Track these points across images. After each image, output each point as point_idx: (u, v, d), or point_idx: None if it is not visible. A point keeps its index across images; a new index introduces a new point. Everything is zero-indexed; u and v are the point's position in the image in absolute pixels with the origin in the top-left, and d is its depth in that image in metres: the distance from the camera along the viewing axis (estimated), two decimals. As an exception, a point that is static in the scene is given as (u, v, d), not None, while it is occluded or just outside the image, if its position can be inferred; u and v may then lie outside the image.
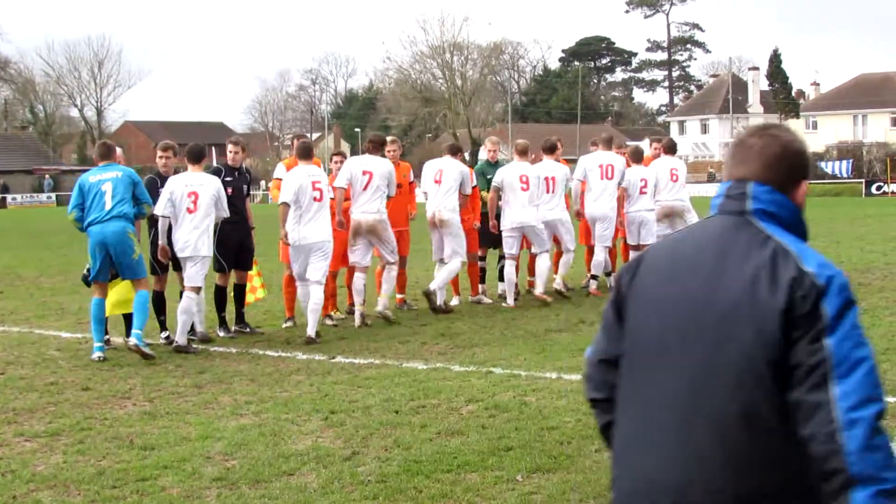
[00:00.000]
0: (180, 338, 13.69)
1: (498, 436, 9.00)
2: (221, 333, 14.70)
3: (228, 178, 14.76)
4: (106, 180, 13.40)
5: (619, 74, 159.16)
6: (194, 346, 13.83)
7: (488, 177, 17.26)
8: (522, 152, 17.46)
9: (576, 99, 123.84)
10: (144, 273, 13.58)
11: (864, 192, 71.44)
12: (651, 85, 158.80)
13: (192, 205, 13.82)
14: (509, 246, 17.11)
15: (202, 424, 9.65)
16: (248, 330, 14.94)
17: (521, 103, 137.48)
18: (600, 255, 18.15)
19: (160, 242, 13.95)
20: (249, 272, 15.16)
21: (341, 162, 16.08)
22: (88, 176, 13.71)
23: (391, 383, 11.27)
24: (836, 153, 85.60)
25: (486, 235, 17.30)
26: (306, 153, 14.86)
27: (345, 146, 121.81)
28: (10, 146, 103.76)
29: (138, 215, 13.67)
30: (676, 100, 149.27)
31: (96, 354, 12.99)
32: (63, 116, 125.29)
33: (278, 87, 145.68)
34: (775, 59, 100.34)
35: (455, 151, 17.46)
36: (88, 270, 13.56)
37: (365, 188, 15.14)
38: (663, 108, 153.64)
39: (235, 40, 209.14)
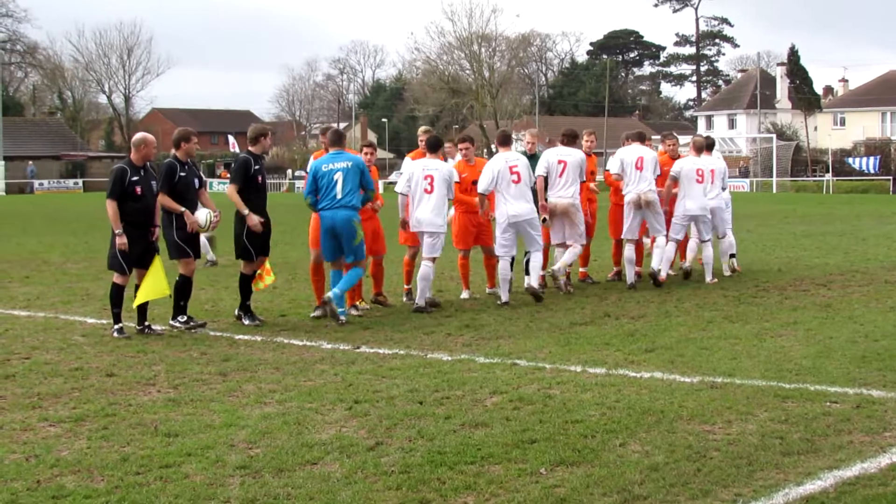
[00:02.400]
0: (420, 300, 15.89)
1: (522, 428, 8.96)
2: (246, 322, 14.70)
3: (256, 167, 14.78)
4: (338, 170, 14.90)
5: (646, 68, 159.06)
6: (430, 308, 15.82)
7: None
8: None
9: (603, 92, 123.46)
10: (363, 255, 15.29)
11: (891, 189, 71.18)
12: (679, 79, 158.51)
13: (428, 186, 16.09)
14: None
15: (226, 412, 9.64)
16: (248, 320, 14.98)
17: (548, 96, 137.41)
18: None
19: (401, 216, 16.38)
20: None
21: (372, 153, 16.07)
22: (321, 164, 15.08)
23: (415, 374, 11.26)
24: (863, 150, 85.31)
25: None
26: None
27: (371, 136, 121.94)
28: (38, 132, 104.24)
29: (364, 201, 15.30)
30: (704, 94, 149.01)
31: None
32: (91, 103, 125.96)
33: (306, 77, 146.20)
34: (794, 57, 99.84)
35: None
36: (113, 256, 13.66)
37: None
38: (691, 103, 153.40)
39: (263, 29, 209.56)
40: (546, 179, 17.39)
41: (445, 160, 17.07)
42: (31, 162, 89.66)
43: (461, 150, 17.56)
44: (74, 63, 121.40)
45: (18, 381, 11.04)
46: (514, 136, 20.41)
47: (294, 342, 13.39)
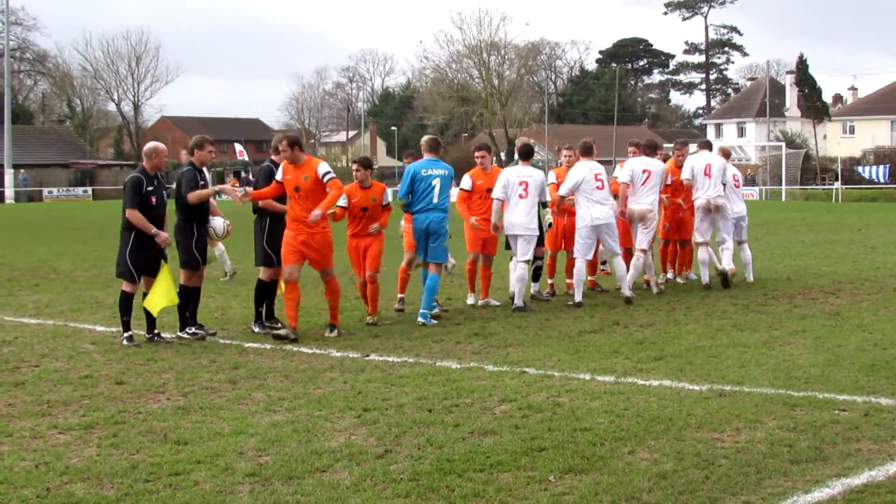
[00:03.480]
0: (518, 300, 16.77)
1: (531, 436, 8.97)
2: (256, 329, 14.73)
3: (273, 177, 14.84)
4: (436, 176, 16.12)
5: (656, 76, 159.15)
6: (529, 307, 16.70)
7: None
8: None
9: (613, 100, 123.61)
10: (445, 258, 16.31)
11: (901, 197, 70.96)
12: (688, 87, 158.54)
13: (523, 192, 16.86)
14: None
15: (235, 420, 9.66)
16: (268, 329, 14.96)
17: (557, 104, 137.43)
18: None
19: (493, 220, 16.84)
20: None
21: (357, 170, 15.89)
22: (420, 168, 16.17)
23: (424, 382, 11.27)
24: (872, 158, 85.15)
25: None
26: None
27: (381, 144, 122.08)
28: (47, 140, 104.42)
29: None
30: (713, 102, 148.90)
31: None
32: (100, 111, 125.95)
33: (315, 85, 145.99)
34: (802, 66, 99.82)
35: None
36: (122, 264, 13.75)
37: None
38: (700, 111, 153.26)
39: (272, 37, 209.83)
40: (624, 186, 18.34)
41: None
42: (22, 171, 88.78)
43: (478, 157, 17.91)
44: (83, 71, 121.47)
45: (28, 389, 11.07)
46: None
47: (303, 350, 13.40)
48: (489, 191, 16.98)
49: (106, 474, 7.97)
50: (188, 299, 14.40)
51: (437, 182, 16.03)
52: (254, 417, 9.77)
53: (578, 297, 17.25)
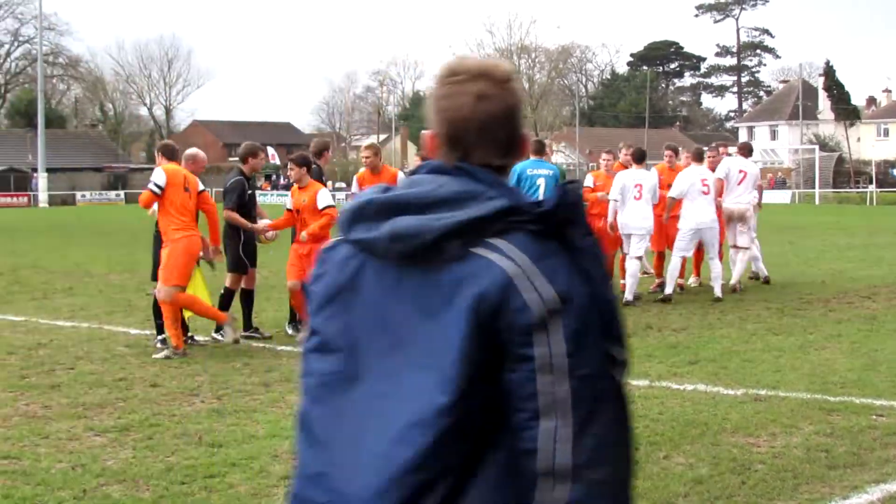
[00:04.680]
0: (629, 295, 17.44)
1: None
2: (290, 331, 14.74)
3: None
4: (541, 176, 17.14)
5: (687, 79, 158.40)
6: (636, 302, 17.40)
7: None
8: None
9: (644, 103, 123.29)
10: None
11: (935, 200, 70.60)
12: (720, 90, 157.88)
13: (637, 193, 17.69)
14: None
15: (270, 423, 9.69)
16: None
17: (588, 107, 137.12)
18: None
19: (610, 220, 17.53)
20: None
21: (367, 157, 15.90)
22: (526, 167, 17.16)
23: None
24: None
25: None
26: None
27: (411, 148, 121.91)
28: (80, 143, 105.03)
29: None
30: (745, 105, 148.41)
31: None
32: (132, 115, 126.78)
33: (346, 89, 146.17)
34: (830, 71, 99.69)
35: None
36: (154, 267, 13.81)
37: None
38: (732, 114, 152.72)
39: (303, 41, 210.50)
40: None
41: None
42: (35, 174, 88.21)
43: (604, 160, 19.35)
44: (115, 76, 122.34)
45: (64, 391, 11.12)
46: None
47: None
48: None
49: (142, 476, 8.01)
50: (229, 302, 14.41)
51: (541, 182, 17.05)
52: (287, 420, 9.76)
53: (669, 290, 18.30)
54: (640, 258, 18.08)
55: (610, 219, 17.78)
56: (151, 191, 13.23)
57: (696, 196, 18.13)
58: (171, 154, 13.83)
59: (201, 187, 13.72)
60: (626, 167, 18.42)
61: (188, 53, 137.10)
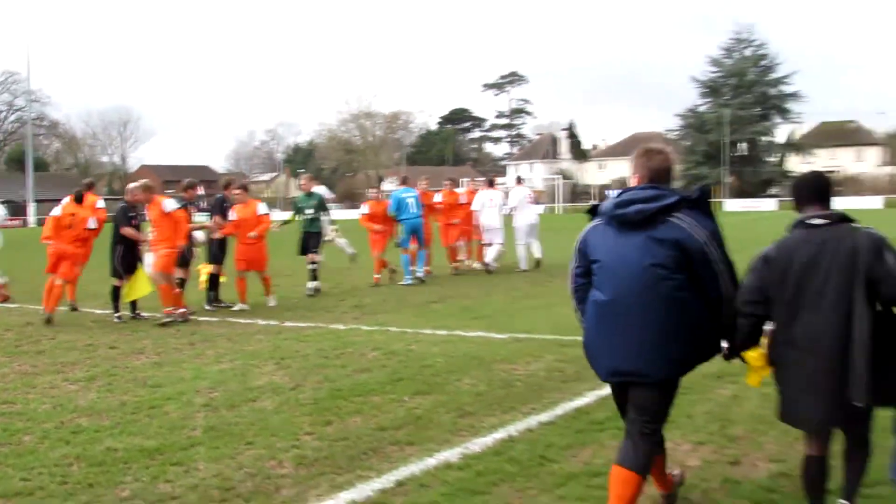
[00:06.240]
0: (492, 263, 18.57)
1: (392, 371, 9.02)
2: (208, 307, 14.46)
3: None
4: (410, 196, 17.47)
5: (476, 133, 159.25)
6: None
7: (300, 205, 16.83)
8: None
9: (448, 150, 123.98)
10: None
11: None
12: (497, 140, 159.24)
13: (490, 204, 18.98)
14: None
15: (194, 369, 9.50)
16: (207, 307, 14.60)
17: (411, 152, 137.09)
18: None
19: (475, 222, 18.66)
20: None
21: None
22: (400, 193, 17.62)
23: (322, 339, 11.20)
24: (617, 185, 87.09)
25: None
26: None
27: (293, 182, 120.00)
28: (59, 182, 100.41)
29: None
30: (514, 150, 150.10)
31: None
32: (96, 162, 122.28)
33: (247, 141, 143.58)
34: (571, 128, 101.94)
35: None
36: (114, 267, 13.42)
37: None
38: (505, 156, 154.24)
39: (218, 108, 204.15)
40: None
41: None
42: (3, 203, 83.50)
43: (372, 190, 18.97)
44: (84, 134, 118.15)
45: (47, 355, 10.71)
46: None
47: (239, 320, 13.21)
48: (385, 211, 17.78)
49: (103, 410, 7.78)
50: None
51: (411, 200, 17.51)
52: (207, 367, 9.63)
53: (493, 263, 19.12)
54: (498, 244, 19.03)
55: (475, 221, 19.00)
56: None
57: (488, 208, 18.89)
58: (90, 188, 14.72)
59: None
60: (478, 189, 19.63)
61: (137, 118, 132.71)
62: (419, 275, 17.71)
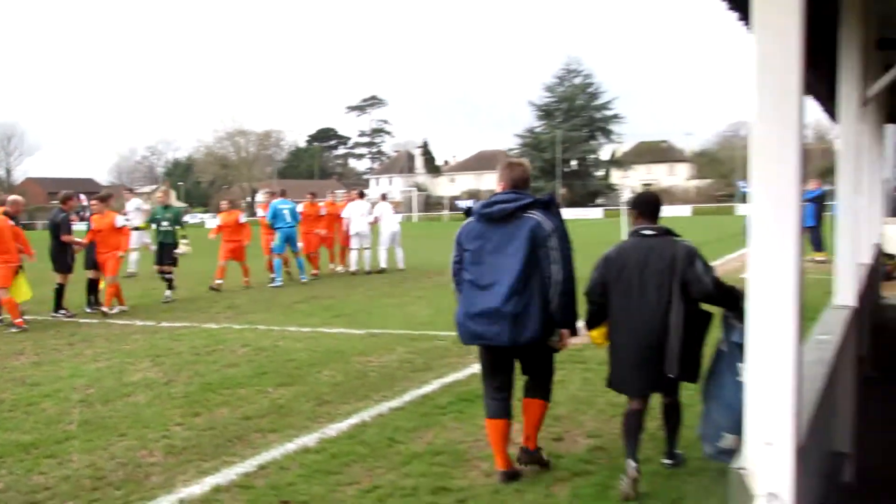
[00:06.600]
0: (353, 267, 18.59)
1: (259, 365, 8.89)
2: (88, 310, 13.83)
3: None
4: (286, 208, 17.37)
5: (342, 150, 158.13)
6: None
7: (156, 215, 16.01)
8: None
9: (315, 165, 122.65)
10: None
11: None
12: (360, 156, 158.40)
13: (362, 213, 18.90)
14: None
15: (72, 368, 9.10)
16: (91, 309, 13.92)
17: (282, 167, 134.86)
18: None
19: (344, 228, 18.38)
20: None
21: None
22: (277, 204, 17.43)
23: (195, 337, 10.93)
24: (466, 196, 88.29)
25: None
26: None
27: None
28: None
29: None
30: (375, 165, 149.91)
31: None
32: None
33: (129, 157, 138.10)
34: (425, 146, 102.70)
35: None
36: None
37: None
38: (367, 171, 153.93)
39: (100, 123, 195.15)
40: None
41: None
42: None
43: (224, 203, 17.93)
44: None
45: (-73, 357, 10.03)
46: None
47: (118, 322, 12.71)
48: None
49: (-19, 408, 7.37)
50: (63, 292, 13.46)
51: (287, 210, 17.36)
52: (85, 366, 9.24)
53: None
54: (357, 249, 19.08)
55: (344, 227, 18.98)
56: None
57: (359, 217, 18.90)
58: None
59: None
60: (336, 202, 19.98)
61: (22, 133, 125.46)
62: (303, 279, 17.86)
